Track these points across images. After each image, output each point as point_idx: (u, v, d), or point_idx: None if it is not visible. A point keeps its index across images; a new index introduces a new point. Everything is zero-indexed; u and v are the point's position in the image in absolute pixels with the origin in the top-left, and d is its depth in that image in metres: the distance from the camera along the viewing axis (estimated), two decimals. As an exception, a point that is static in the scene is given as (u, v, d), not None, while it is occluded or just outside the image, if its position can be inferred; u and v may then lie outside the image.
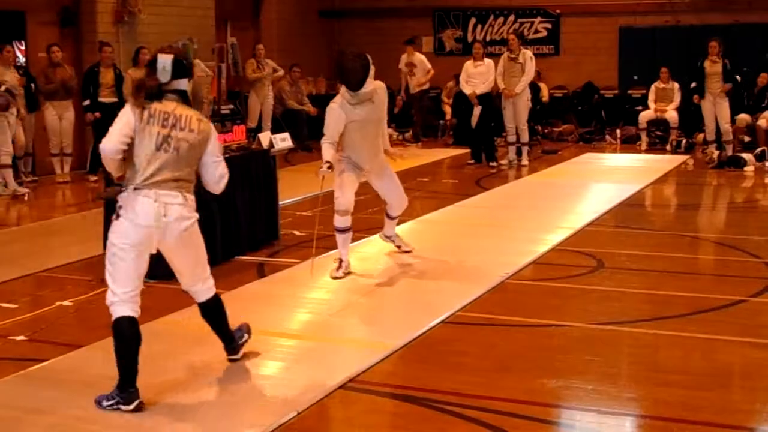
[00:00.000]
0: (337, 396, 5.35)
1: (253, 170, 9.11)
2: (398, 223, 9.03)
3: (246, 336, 5.91)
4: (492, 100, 15.59)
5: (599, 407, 5.17)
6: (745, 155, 15.00)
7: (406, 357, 6.09)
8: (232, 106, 10.74)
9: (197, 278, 5.56)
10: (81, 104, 13.96)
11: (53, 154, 13.87)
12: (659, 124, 17.97)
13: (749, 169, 14.63)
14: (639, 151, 17.53)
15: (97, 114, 13.79)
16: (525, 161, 15.59)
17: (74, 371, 5.76)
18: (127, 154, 5.23)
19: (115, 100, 13.86)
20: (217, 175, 5.48)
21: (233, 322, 5.84)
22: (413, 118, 18.58)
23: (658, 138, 18.02)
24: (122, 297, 5.15)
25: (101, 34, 14.86)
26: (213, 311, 5.65)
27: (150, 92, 5.22)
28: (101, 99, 13.82)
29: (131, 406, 5.06)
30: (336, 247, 8.20)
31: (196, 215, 5.38)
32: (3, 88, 12.39)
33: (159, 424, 4.92)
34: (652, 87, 17.85)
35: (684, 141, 17.38)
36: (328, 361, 5.93)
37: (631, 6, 19.87)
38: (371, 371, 5.72)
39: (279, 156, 9.71)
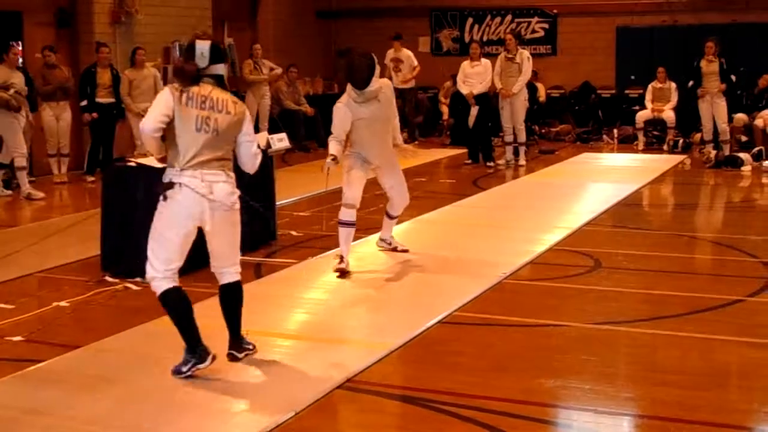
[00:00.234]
0: (334, 396, 5.35)
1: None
2: (396, 223, 9.03)
3: (253, 348, 5.93)
4: (489, 100, 15.59)
5: (596, 407, 5.17)
6: (742, 155, 15.01)
7: (404, 357, 6.10)
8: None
9: (229, 260, 5.76)
10: (78, 105, 13.94)
11: (50, 155, 13.85)
12: (656, 124, 17.99)
13: (746, 169, 14.64)
14: (636, 151, 17.54)
15: (95, 114, 13.79)
16: (522, 161, 15.61)
17: (71, 372, 5.76)
18: (169, 138, 5.43)
19: (112, 100, 13.87)
20: (251, 153, 5.70)
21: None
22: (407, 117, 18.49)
23: (655, 138, 18.04)
24: (164, 274, 5.43)
25: (98, 34, 14.85)
26: (232, 295, 5.82)
27: (188, 77, 5.42)
28: (98, 99, 13.82)
29: (207, 363, 5.46)
30: (333, 248, 8.21)
31: (238, 191, 5.60)
32: (12, 90, 12.37)
33: (157, 425, 4.92)
34: (649, 87, 17.87)
35: (681, 141, 17.40)
36: (326, 362, 5.93)
37: (628, 6, 19.89)
38: (369, 371, 5.72)
39: (276, 156, 9.70)
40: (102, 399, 5.27)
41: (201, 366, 5.47)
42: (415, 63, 18.19)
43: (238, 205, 5.61)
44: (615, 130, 18.95)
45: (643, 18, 19.87)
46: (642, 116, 17.86)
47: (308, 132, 17.98)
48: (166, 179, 5.43)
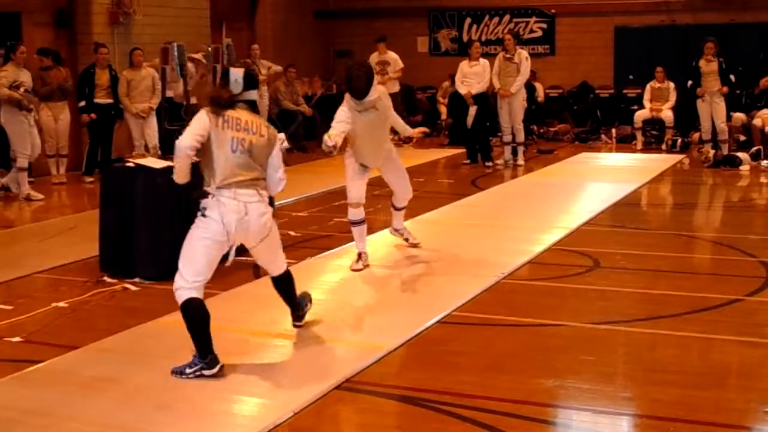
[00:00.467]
0: (333, 396, 5.35)
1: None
2: (386, 225, 9.06)
3: (308, 305, 6.51)
4: (487, 100, 15.58)
5: (595, 407, 5.18)
6: (741, 154, 15.01)
7: (403, 357, 6.10)
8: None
9: (274, 264, 6.20)
10: (77, 106, 13.94)
11: (49, 156, 13.84)
12: (655, 124, 17.97)
13: (745, 169, 14.65)
14: (634, 151, 17.54)
15: (93, 115, 13.79)
16: (521, 161, 15.61)
17: (70, 372, 5.76)
18: (205, 159, 5.69)
19: (110, 101, 13.86)
20: (277, 177, 5.95)
21: (231, 322, 5.86)
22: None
23: (654, 137, 18.04)
24: (192, 285, 5.62)
25: (96, 35, 14.85)
26: (284, 283, 6.28)
27: (224, 103, 5.71)
28: (97, 100, 13.81)
29: (215, 370, 5.57)
30: (331, 248, 8.22)
31: (270, 209, 5.90)
32: (22, 89, 12.36)
33: (156, 425, 4.92)
34: (648, 86, 17.86)
35: (679, 140, 17.39)
36: (324, 362, 5.94)
37: (626, 5, 19.91)
38: (367, 371, 5.72)
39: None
40: (101, 399, 5.27)
41: (207, 372, 5.57)
42: (401, 65, 17.77)
43: (271, 220, 5.89)
44: (613, 130, 18.95)
45: (641, 18, 19.90)
46: (640, 116, 17.86)
47: (307, 132, 17.97)
48: (203, 197, 5.66)
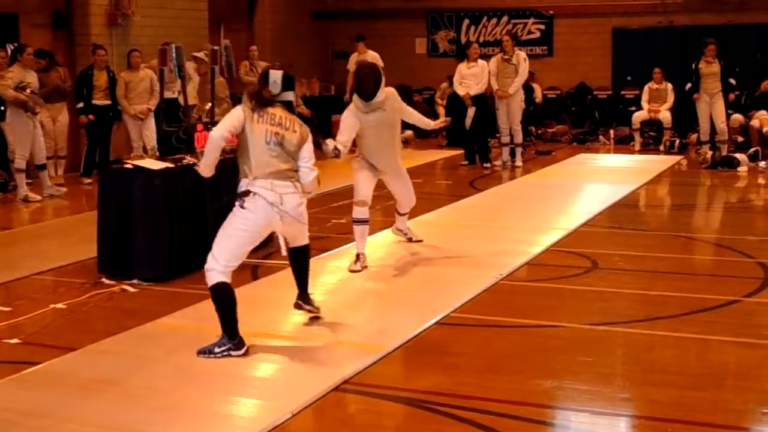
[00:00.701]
0: (331, 397, 5.35)
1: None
2: (384, 226, 9.08)
3: (318, 311, 6.73)
4: (486, 102, 15.59)
5: (593, 408, 5.18)
6: (739, 155, 15.04)
7: (401, 358, 6.10)
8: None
9: (299, 239, 6.52)
10: (75, 107, 13.93)
11: (47, 157, 13.82)
12: (652, 125, 18.00)
13: (742, 170, 14.66)
14: (632, 152, 17.56)
15: (91, 116, 13.78)
16: (519, 162, 15.62)
17: (69, 374, 5.76)
18: (241, 150, 6.07)
19: (108, 102, 13.85)
20: (308, 167, 6.21)
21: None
22: None
23: (652, 138, 18.06)
24: (223, 269, 5.93)
25: (94, 36, 14.84)
26: (300, 255, 6.62)
27: (265, 101, 6.10)
28: (95, 101, 13.80)
29: (241, 351, 5.88)
30: (330, 250, 8.22)
31: (305, 198, 6.27)
32: (29, 90, 12.36)
33: (154, 427, 4.91)
34: (646, 87, 17.88)
35: (677, 141, 17.41)
36: (323, 363, 5.94)
37: (624, 7, 19.92)
38: (365, 372, 5.72)
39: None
40: (99, 401, 5.27)
41: (235, 353, 5.86)
42: (380, 65, 17.55)
43: (305, 208, 6.30)
44: (611, 131, 18.98)
45: (639, 19, 19.91)
46: (638, 117, 17.88)
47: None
48: (242, 188, 5.99)
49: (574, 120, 20.00)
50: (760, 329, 6.54)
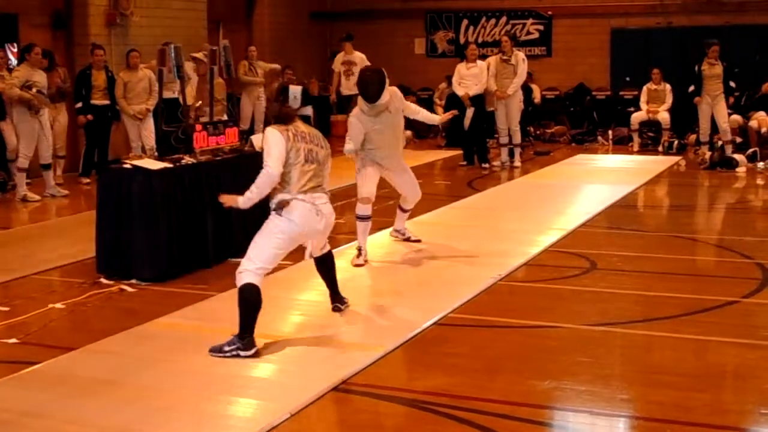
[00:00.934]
0: (329, 398, 5.35)
1: (245, 172, 9.10)
2: (383, 227, 9.09)
3: (348, 304, 7.01)
4: (484, 102, 15.58)
5: (592, 408, 5.18)
6: (737, 156, 15.04)
7: (399, 359, 6.11)
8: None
9: (324, 246, 6.76)
10: (73, 107, 13.92)
11: (47, 157, 13.83)
12: (651, 126, 18.01)
13: (741, 170, 14.67)
14: (631, 153, 17.56)
15: (90, 116, 13.76)
16: (517, 163, 15.62)
17: (67, 374, 5.75)
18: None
19: (107, 102, 13.83)
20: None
21: (228, 323, 5.87)
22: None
23: (650, 139, 18.06)
24: (256, 271, 6.04)
25: (93, 36, 14.83)
26: (326, 263, 6.87)
27: (288, 118, 6.24)
28: (94, 102, 13.78)
29: (251, 352, 5.94)
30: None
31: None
32: (35, 89, 12.37)
33: (153, 427, 4.91)
34: (644, 88, 17.89)
35: (676, 142, 17.42)
36: (321, 363, 5.93)
37: (623, 7, 19.93)
38: (364, 373, 5.72)
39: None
40: (97, 401, 5.27)
41: (243, 353, 5.90)
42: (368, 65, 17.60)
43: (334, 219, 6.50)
44: (610, 132, 18.98)
45: (637, 20, 19.91)
46: (637, 118, 17.88)
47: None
48: (281, 199, 6.12)
49: (573, 120, 20.01)
50: (759, 330, 6.55)
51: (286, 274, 8.20)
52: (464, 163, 15.80)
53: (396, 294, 7.71)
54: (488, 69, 15.22)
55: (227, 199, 6.33)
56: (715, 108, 15.50)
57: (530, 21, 20.89)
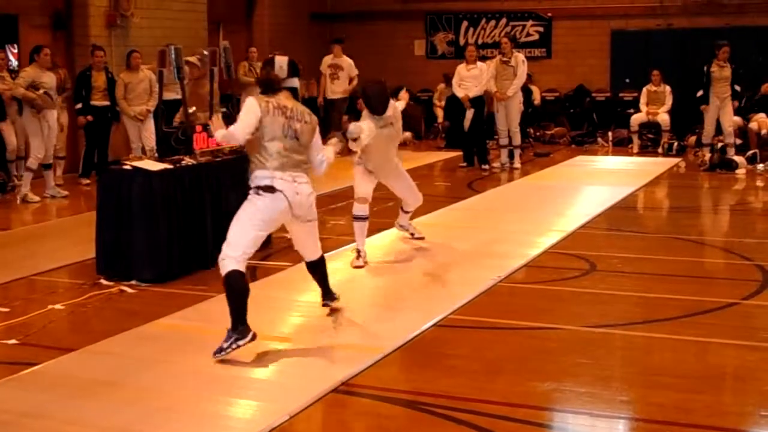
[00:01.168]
0: (329, 399, 5.35)
1: (245, 173, 9.09)
2: (384, 228, 9.12)
3: (338, 296, 6.92)
4: (484, 104, 15.59)
5: (592, 410, 5.18)
6: (737, 158, 15.04)
7: (398, 360, 6.10)
8: (224, 110, 10.72)
9: (310, 249, 6.59)
10: (73, 108, 13.91)
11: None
12: (651, 127, 18.01)
13: (741, 172, 14.68)
14: (631, 154, 17.56)
15: (90, 117, 13.75)
16: (517, 164, 15.62)
17: (67, 375, 5.75)
18: (256, 143, 6.05)
19: (107, 103, 13.82)
20: (319, 159, 6.37)
21: (227, 324, 5.88)
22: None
23: (650, 141, 18.06)
24: (236, 257, 5.92)
25: (93, 37, 14.82)
26: (317, 267, 6.72)
27: (271, 84, 6.15)
28: (93, 102, 13.76)
29: (247, 338, 5.88)
30: (327, 251, 8.17)
31: (315, 191, 6.29)
32: (41, 90, 12.40)
33: (152, 427, 4.91)
34: (644, 90, 17.89)
35: (675, 144, 17.42)
36: (320, 365, 5.93)
37: (622, 9, 19.93)
38: (363, 374, 5.72)
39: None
40: (97, 402, 5.27)
41: (241, 342, 5.84)
42: (355, 72, 17.28)
43: (315, 211, 6.32)
44: (609, 133, 18.99)
45: (637, 21, 19.91)
46: (637, 119, 17.89)
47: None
48: (260, 180, 6.02)
49: (573, 122, 20.01)
50: (759, 332, 6.55)
51: (286, 275, 8.21)
52: (464, 164, 15.80)
53: (395, 295, 7.72)
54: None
55: (214, 123, 6.47)
56: (722, 111, 15.36)
57: (530, 22, 20.89)
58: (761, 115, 16.30)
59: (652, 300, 7.40)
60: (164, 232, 8.07)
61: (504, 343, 6.47)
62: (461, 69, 15.53)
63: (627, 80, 19.60)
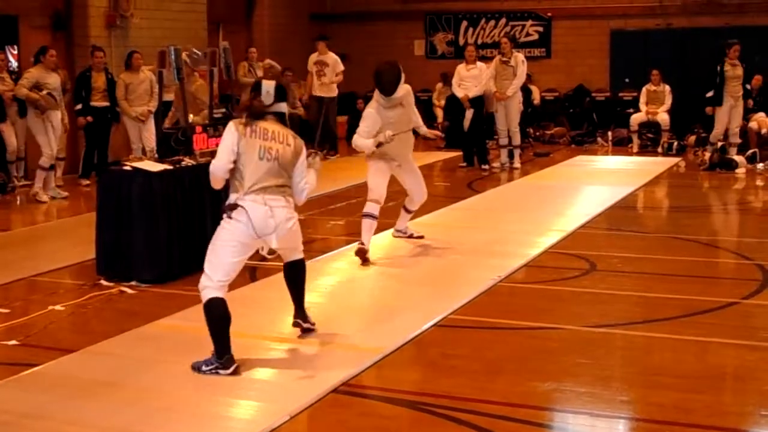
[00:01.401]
0: (329, 400, 5.35)
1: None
2: (383, 228, 9.15)
3: (314, 326, 6.53)
4: (484, 104, 15.59)
5: (592, 410, 5.18)
6: (737, 157, 15.04)
7: (398, 360, 6.10)
8: (224, 110, 10.71)
9: (293, 251, 6.38)
10: (73, 108, 13.91)
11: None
12: (650, 127, 18.01)
13: (740, 171, 14.68)
14: (630, 154, 17.57)
15: (89, 118, 13.75)
16: (517, 164, 15.62)
17: (67, 376, 5.76)
18: (234, 168, 5.87)
19: (107, 104, 13.82)
20: (301, 186, 6.10)
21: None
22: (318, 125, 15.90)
23: (650, 140, 18.07)
24: (216, 285, 5.80)
25: (93, 38, 14.82)
26: (295, 271, 6.44)
27: (255, 113, 5.95)
28: (93, 103, 13.76)
29: (230, 370, 5.68)
30: (327, 252, 8.20)
31: (296, 214, 6.09)
32: (45, 91, 12.43)
33: (152, 428, 4.91)
34: (644, 89, 17.89)
35: (675, 143, 17.43)
36: (320, 365, 5.93)
37: (622, 9, 19.94)
38: (364, 375, 5.73)
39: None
40: (97, 403, 5.27)
41: (222, 372, 5.68)
42: (341, 68, 17.32)
43: (297, 224, 6.10)
44: (609, 133, 18.99)
45: (637, 21, 19.92)
46: (636, 119, 17.89)
47: (302, 135, 17.87)
48: (230, 201, 5.83)
49: (572, 122, 20.01)
50: (759, 331, 6.55)
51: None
52: (464, 164, 15.81)
53: (396, 295, 7.72)
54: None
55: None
56: (735, 111, 15.32)
57: (530, 22, 20.90)
58: (761, 115, 16.31)
59: (652, 300, 7.41)
60: (164, 232, 8.07)
61: (504, 343, 6.48)
62: (461, 69, 15.55)
63: (626, 80, 19.60)
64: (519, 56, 15.35)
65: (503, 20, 21.07)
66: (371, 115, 8.61)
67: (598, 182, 13.89)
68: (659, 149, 17.52)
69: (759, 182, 14.09)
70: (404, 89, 8.65)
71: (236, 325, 5.99)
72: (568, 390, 5.49)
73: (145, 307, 7.34)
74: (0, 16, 14.29)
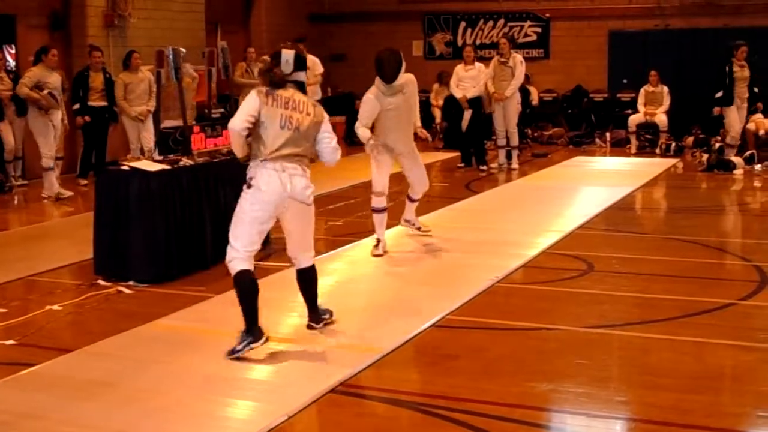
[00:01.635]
0: (327, 400, 5.35)
1: (243, 174, 9.09)
2: (387, 227, 9.16)
3: (329, 316, 6.65)
4: (482, 104, 15.59)
5: (589, 411, 5.18)
6: (735, 159, 15.05)
7: (396, 361, 6.10)
8: (222, 110, 10.71)
9: (302, 247, 6.34)
10: (71, 108, 13.91)
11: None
12: (649, 128, 18.03)
13: (738, 173, 14.69)
14: (628, 155, 17.58)
15: (87, 118, 13.75)
16: (515, 165, 15.62)
17: (64, 375, 5.75)
18: (255, 134, 6.03)
19: (104, 104, 13.82)
20: (331, 148, 6.27)
21: (226, 325, 5.87)
22: None
23: (648, 141, 18.08)
24: (242, 255, 5.97)
25: (91, 37, 14.83)
26: (307, 278, 6.46)
27: (275, 80, 6.07)
28: (91, 103, 13.77)
29: (261, 341, 5.92)
30: (326, 252, 8.20)
31: (313, 186, 6.17)
32: (46, 91, 12.45)
33: (150, 428, 4.92)
34: (642, 90, 17.90)
35: (673, 144, 17.44)
36: (318, 365, 5.93)
37: (620, 10, 19.95)
38: (362, 375, 5.72)
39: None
40: (95, 403, 5.27)
41: (255, 345, 5.88)
42: (320, 70, 16.82)
43: (312, 199, 6.16)
44: (607, 134, 19.00)
45: (635, 22, 19.93)
46: (634, 120, 17.90)
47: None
48: (249, 171, 6.04)
49: (571, 123, 20.03)
50: (756, 332, 6.55)
51: (285, 275, 8.17)
52: (462, 165, 15.81)
53: (393, 296, 7.71)
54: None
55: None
56: (741, 113, 15.33)
57: (528, 23, 20.90)
58: (759, 116, 16.30)
59: (649, 300, 7.41)
60: (162, 232, 8.06)
61: (502, 344, 6.48)
62: (459, 70, 15.55)
63: (625, 81, 19.59)
64: (517, 57, 15.35)
65: (501, 21, 21.08)
66: (370, 101, 8.64)
67: (596, 183, 13.90)
68: (657, 150, 17.53)
69: (757, 183, 14.09)
70: (406, 78, 8.70)
71: (234, 325, 6.00)
72: (566, 390, 5.49)
73: (143, 307, 7.33)
74: (-2, 16, 14.30)
